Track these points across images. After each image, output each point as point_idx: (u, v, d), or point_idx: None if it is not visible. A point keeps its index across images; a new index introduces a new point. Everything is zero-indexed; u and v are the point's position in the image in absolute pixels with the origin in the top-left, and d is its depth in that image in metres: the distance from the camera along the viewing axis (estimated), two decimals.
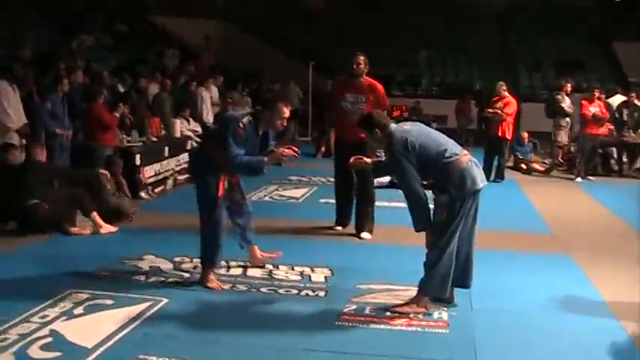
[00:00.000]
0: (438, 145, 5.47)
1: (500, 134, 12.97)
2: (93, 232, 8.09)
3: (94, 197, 8.55)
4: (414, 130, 5.55)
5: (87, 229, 8.14)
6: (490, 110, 13.22)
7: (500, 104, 13.03)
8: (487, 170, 12.93)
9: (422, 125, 5.77)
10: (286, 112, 6.07)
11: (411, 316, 5.45)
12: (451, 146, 5.52)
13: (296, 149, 6.22)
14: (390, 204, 9.35)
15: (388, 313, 5.50)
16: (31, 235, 7.83)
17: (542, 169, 14.62)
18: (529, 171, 14.44)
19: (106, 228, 8.16)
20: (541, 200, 11.10)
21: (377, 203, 8.49)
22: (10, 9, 15.80)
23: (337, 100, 8.33)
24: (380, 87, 8.37)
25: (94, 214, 8.14)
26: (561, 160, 15.10)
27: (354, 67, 8.26)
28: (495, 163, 13.14)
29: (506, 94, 13.19)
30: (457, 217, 5.38)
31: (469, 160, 5.47)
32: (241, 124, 5.88)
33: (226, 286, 6.17)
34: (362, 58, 8.28)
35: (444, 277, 5.47)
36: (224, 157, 5.90)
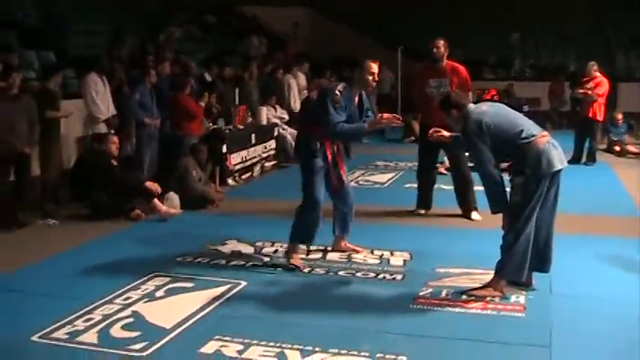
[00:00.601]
0: (514, 126, 5.41)
1: (590, 115, 12.62)
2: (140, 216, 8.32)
3: (180, 184, 8.80)
4: (490, 111, 5.51)
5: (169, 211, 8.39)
6: (580, 91, 12.90)
7: (591, 84, 12.67)
8: (578, 153, 12.72)
9: (500, 106, 5.74)
10: (374, 67, 6.15)
11: (488, 299, 5.40)
12: (528, 127, 5.44)
13: (397, 115, 6.29)
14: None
15: (464, 297, 5.47)
16: (119, 221, 8.13)
17: (637, 150, 14.13)
18: (623, 153, 13.99)
19: (167, 210, 8.35)
20: (634, 183, 10.74)
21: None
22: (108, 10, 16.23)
23: (421, 86, 8.32)
24: (462, 69, 8.30)
25: (154, 200, 8.34)
26: None
27: (434, 51, 8.24)
28: (587, 145, 12.79)
29: (597, 74, 12.80)
30: (533, 198, 5.30)
31: (547, 142, 5.38)
32: (337, 92, 6.01)
33: (306, 269, 6.24)
34: (441, 42, 8.24)
35: (521, 261, 5.39)
36: (325, 128, 6.03)
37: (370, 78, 6.16)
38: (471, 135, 5.40)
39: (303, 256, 6.57)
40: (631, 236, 7.51)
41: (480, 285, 5.63)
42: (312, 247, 6.73)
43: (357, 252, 6.73)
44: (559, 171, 5.43)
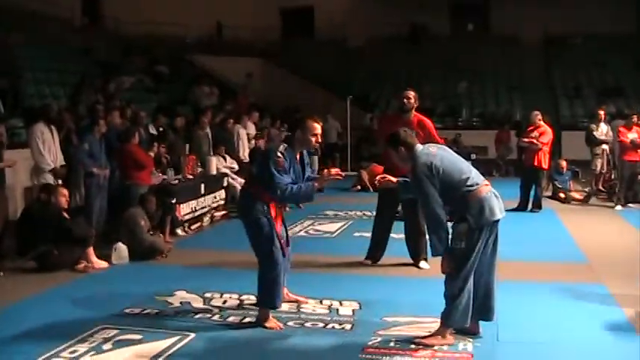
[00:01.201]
0: (461, 172, 5.52)
1: (535, 164, 12.89)
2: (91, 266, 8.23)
3: (129, 235, 8.74)
4: (439, 155, 5.60)
5: (98, 265, 8.33)
6: (525, 140, 13.17)
7: (535, 133, 12.96)
8: (524, 200, 12.92)
9: (447, 149, 5.81)
10: (317, 127, 6.11)
11: (436, 348, 5.44)
12: (474, 175, 5.56)
13: (339, 171, 6.29)
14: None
15: (413, 346, 5.50)
16: (65, 273, 8.02)
17: (580, 197, 14.43)
18: (568, 200, 14.26)
19: (98, 264, 8.31)
20: (578, 229, 10.98)
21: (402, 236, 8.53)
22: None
23: (384, 135, 8.35)
24: (429, 123, 8.42)
25: (90, 249, 8.28)
26: (601, 188, 14.94)
27: (404, 102, 8.31)
28: (532, 193, 13.02)
29: (542, 123, 13.12)
30: (476, 246, 5.40)
31: (489, 191, 5.52)
32: (279, 153, 5.93)
33: (254, 322, 6.20)
34: (412, 93, 8.32)
35: (466, 307, 5.47)
36: (268, 191, 5.93)
37: (313, 139, 6.12)
38: (420, 175, 5.46)
39: (253, 307, 6.56)
40: (577, 282, 7.67)
41: (428, 333, 5.67)
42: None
43: (300, 302, 6.70)
44: (498, 220, 5.52)
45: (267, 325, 6.04)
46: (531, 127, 13.17)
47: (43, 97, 13.72)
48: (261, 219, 6.01)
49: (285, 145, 6.08)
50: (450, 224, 5.55)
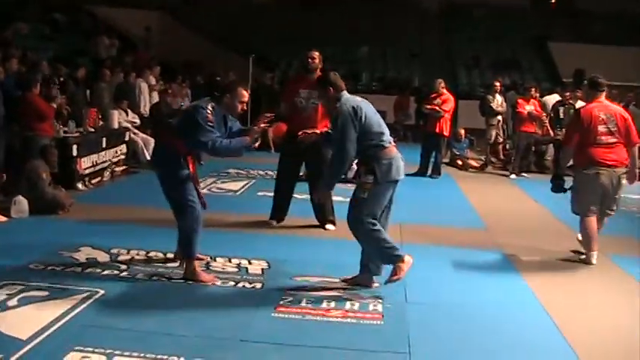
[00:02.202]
0: (379, 127, 5.85)
1: (437, 131, 13.17)
2: None
3: (29, 188, 8.48)
4: (365, 104, 5.92)
5: None
6: (428, 107, 13.40)
7: (438, 101, 13.21)
8: (425, 166, 13.19)
9: (369, 104, 6.01)
10: (245, 95, 6.20)
11: (347, 308, 5.54)
12: (387, 133, 5.89)
13: (268, 115, 6.43)
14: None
15: (324, 305, 5.57)
16: None
17: (477, 165, 14.88)
18: (465, 167, 14.67)
19: None
20: (476, 196, 11.31)
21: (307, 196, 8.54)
22: None
23: (291, 95, 8.35)
24: None
25: None
26: (496, 158, 15.38)
27: (309, 61, 8.27)
28: (432, 159, 13.31)
29: (445, 91, 13.38)
30: (379, 199, 5.77)
31: (398, 152, 5.89)
32: (209, 110, 5.95)
33: (163, 278, 6.16)
34: (316, 53, 8.30)
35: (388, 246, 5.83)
36: (194, 144, 5.98)
37: (240, 106, 6.19)
38: (345, 114, 5.71)
39: (161, 263, 6.53)
40: (476, 246, 7.93)
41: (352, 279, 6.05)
42: (169, 255, 6.72)
43: (201, 259, 6.64)
44: (399, 180, 5.89)
45: (201, 279, 6.10)
46: (434, 95, 13.40)
47: None
48: (180, 170, 6.06)
49: (214, 104, 6.06)
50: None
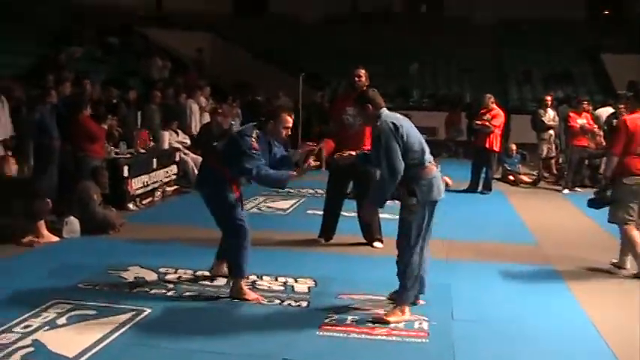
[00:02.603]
0: (420, 144, 5.65)
1: (487, 146, 13.05)
2: (37, 241, 8.07)
3: (81, 208, 8.62)
4: (404, 121, 5.73)
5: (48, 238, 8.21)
6: (478, 122, 13.29)
7: (488, 116, 13.10)
8: (475, 182, 13.07)
9: (409, 120, 5.87)
10: (290, 120, 6.17)
11: (392, 326, 5.49)
12: (427, 152, 5.74)
13: (310, 144, 6.54)
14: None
15: (369, 323, 5.54)
16: (13, 246, 7.88)
17: (529, 180, 14.69)
18: (517, 183, 14.50)
19: (48, 238, 8.19)
20: (528, 212, 11.16)
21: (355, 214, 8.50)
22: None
23: (338, 113, 8.36)
24: None
25: (41, 222, 8.16)
26: (548, 173, 15.16)
27: (355, 80, 8.26)
28: (483, 175, 13.19)
29: (494, 106, 13.26)
30: (423, 221, 5.61)
31: (437, 171, 5.76)
32: (254, 137, 5.96)
33: (210, 297, 6.20)
34: (362, 71, 8.30)
35: (415, 283, 5.71)
36: (240, 171, 6.02)
37: (284, 131, 6.16)
38: (387, 131, 5.53)
39: (208, 282, 6.56)
40: (527, 262, 7.82)
41: (385, 311, 5.73)
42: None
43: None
44: (438, 201, 5.74)
45: (248, 297, 6.11)
46: (484, 110, 13.29)
47: None
48: (226, 192, 6.07)
49: (258, 132, 6.06)
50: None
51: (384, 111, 5.75)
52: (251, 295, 6.17)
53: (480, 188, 13.13)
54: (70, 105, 10.23)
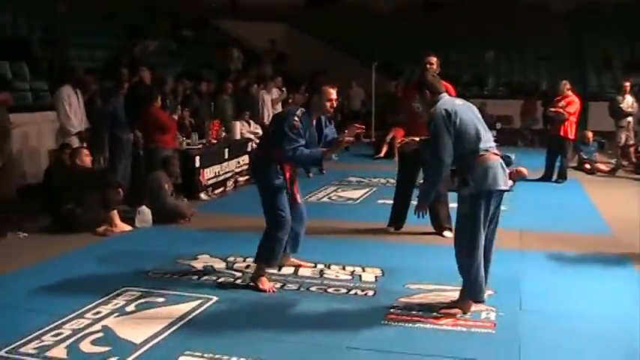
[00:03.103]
0: (477, 132, 5.42)
1: (562, 134, 12.70)
2: (111, 230, 8.27)
3: (152, 198, 8.76)
4: (463, 107, 5.53)
5: (121, 227, 8.39)
6: (552, 109, 12.94)
7: (562, 103, 12.76)
8: (549, 170, 12.80)
9: (472, 107, 5.71)
10: (333, 92, 6.14)
11: (458, 316, 5.43)
12: (487, 139, 5.47)
13: (358, 125, 6.37)
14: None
15: (435, 313, 5.48)
16: (88, 236, 8.09)
17: (607, 169, 14.29)
18: (593, 171, 14.13)
19: (121, 227, 8.36)
20: (603, 201, 10.87)
21: None
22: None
23: (408, 102, 8.30)
24: (451, 88, 8.31)
25: (114, 212, 8.34)
26: (627, 162, 14.73)
27: (427, 67, 8.18)
28: (557, 163, 12.91)
29: (570, 93, 12.91)
30: (479, 212, 5.32)
31: (497, 160, 5.41)
32: (296, 117, 5.96)
33: (277, 285, 6.22)
34: (434, 58, 8.22)
35: (481, 280, 5.47)
36: (280, 152, 5.96)
37: (328, 104, 6.15)
38: (438, 119, 5.37)
39: (275, 271, 6.59)
40: (602, 253, 7.59)
41: (451, 302, 5.66)
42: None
43: (302, 266, 6.74)
44: (502, 191, 5.42)
45: (260, 286, 6.11)
46: (559, 97, 12.96)
47: (71, 60, 13.74)
48: (273, 180, 6.10)
49: (303, 109, 6.11)
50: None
51: (444, 96, 5.57)
52: (265, 284, 6.14)
53: (554, 177, 12.85)
54: (142, 97, 10.37)
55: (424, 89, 5.63)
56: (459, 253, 5.50)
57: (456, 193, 5.55)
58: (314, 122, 6.21)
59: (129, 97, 10.29)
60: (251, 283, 6.20)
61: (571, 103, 12.71)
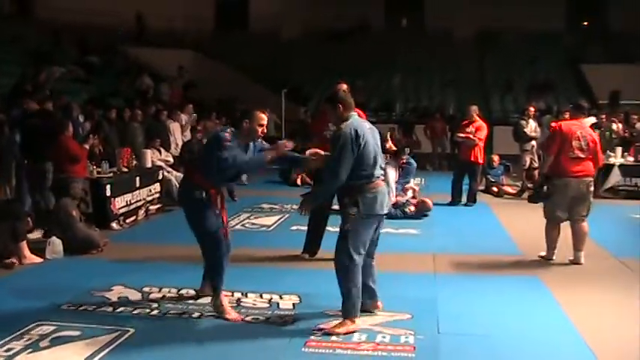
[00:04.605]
0: (375, 158, 5.65)
1: (472, 159, 12.98)
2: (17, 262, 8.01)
3: (62, 228, 8.55)
4: (368, 130, 5.71)
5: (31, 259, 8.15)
6: (461, 135, 13.19)
7: (471, 128, 13.03)
8: (457, 194, 13.03)
9: (377, 133, 5.89)
10: (264, 118, 6.08)
11: (378, 340, 5.47)
12: (379, 166, 5.74)
13: (286, 142, 6.45)
14: None
15: (355, 339, 5.51)
16: None
17: (513, 191, 14.71)
18: (500, 194, 14.51)
19: (30, 259, 8.12)
20: (512, 222, 11.17)
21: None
22: None
23: (321, 128, 8.33)
24: (363, 115, 8.41)
25: (23, 243, 8.11)
26: (531, 184, 15.13)
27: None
28: (465, 186, 13.19)
29: (477, 118, 13.24)
30: (364, 233, 5.63)
31: (384, 187, 5.79)
32: (227, 133, 5.95)
33: (195, 314, 6.15)
34: (344, 85, 8.27)
35: (357, 290, 5.69)
36: (209, 174, 5.96)
37: (260, 129, 6.08)
38: (346, 137, 5.51)
39: (192, 300, 6.51)
40: (513, 275, 7.81)
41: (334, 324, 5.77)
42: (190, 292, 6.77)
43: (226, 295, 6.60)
44: (384, 215, 5.79)
45: (227, 317, 6.05)
46: (466, 122, 13.30)
47: None
48: (202, 204, 6.03)
49: (231, 129, 6.08)
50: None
51: (354, 116, 5.75)
52: (232, 314, 6.10)
53: (463, 200, 13.12)
54: (54, 126, 10.14)
55: (336, 103, 5.72)
56: (338, 270, 5.68)
57: (340, 213, 5.77)
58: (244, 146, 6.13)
59: (33, 126, 10.05)
60: (219, 318, 6.08)
61: (480, 129, 13.00)
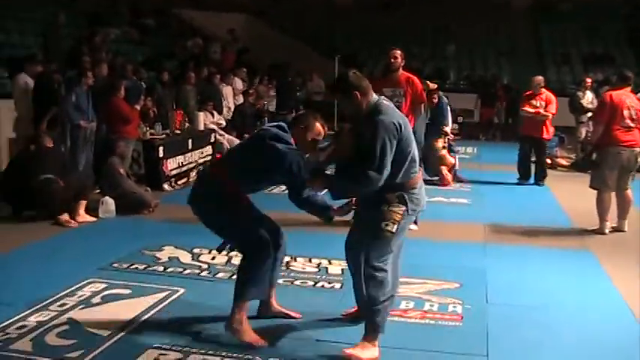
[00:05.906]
0: (413, 151, 4.61)
1: (541, 134, 12.03)
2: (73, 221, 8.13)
3: (110, 186, 8.66)
4: (404, 120, 4.62)
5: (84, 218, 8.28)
6: (530, 110, 12.04)
7: (539, 101, 12.01)
8: (526, 171, 12.27)
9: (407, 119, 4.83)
10: (321, 131, 4.91)
11: (426, 308, 5.45)
12: (417, 158, 4.75)
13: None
14: None
15: (403, 305, 5.49)
16: (50, 226, 7.97)
17: (567, 164, 14.47)
18: (554, 166, 14.25)
19: (84, 217, 8.24)
20: (564, 195, 11.00)
21: None
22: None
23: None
24: (417, 82, 8.35)
25: (82, 202, 8.24)
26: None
27: (391, 61, 8.22)
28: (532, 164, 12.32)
29: (544, 90, 12.20)
30: (400, 234, 4.71)
31: (421, 180, 4.85)
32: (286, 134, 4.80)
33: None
34: (398, 52, 8.25)
35: (390, 302, 4.78)
36: (247, 187, 5.08)
37: (311, 144, 4.93)
38: (389, 128, 4.40)
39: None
40: (563, 247, 7.73)
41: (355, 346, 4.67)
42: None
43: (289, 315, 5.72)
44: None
45: (246, 339, 4.75)
46: (530, 93, 12.21)
47: (29, 47, 13.53)
48: (234, 204, 5.06)
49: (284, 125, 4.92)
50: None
51: (375, 98, 4.60)
52: (251, 335, 4.79)
53: (532, 179, 12.18)
54: (104, 88, 10.26)
55: (351, 91, 4.53)
56: (365, 279, 4.71)
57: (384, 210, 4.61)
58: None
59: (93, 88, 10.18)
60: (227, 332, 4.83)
61: (550, 101, 12.02)
